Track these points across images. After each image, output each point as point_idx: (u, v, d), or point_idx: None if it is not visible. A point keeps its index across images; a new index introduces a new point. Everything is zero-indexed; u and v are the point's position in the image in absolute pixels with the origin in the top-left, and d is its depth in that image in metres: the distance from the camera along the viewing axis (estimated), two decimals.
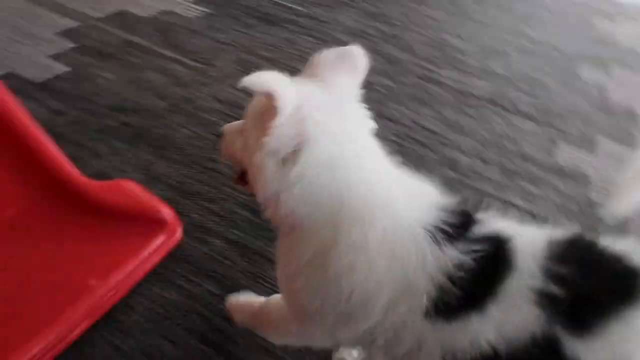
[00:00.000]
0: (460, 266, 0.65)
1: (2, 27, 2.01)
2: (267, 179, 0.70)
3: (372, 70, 2.41)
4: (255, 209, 1.39)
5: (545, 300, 0.62)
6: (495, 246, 0.67)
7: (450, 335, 0.66)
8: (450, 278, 0.65)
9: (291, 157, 0.69)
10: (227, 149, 0.82)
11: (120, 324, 1.08)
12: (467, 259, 0.66)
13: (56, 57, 1.89)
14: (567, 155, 1.86)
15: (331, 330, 0.77)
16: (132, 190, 1.17)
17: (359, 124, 0.77)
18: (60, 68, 1.83)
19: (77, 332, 0.97)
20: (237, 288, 1.17)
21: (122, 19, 2.20)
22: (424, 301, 0.67)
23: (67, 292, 0.96)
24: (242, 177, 0.82)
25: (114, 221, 1.12)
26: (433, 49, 2.39)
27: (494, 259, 0.66)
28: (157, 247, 1.09)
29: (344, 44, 2.40)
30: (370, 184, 0.71)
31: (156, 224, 1.12)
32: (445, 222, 0.69)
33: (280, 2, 2.54)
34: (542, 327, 0.61)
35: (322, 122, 0.70)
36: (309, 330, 0.82)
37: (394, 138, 1.80)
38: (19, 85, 1.69)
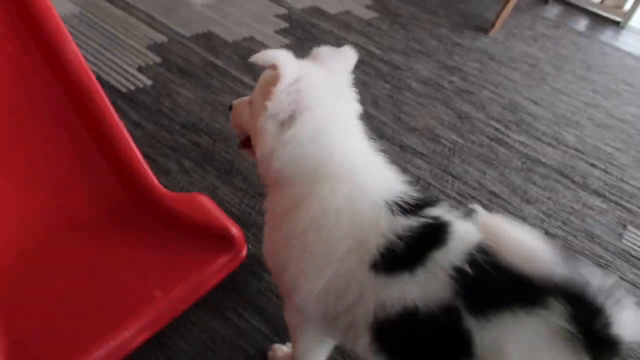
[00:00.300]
0: (403, 233, 0.77)
1: (98, 33, 2.13)
2: (265, 138, 0.82)
3: (441, 123, 2.40)
4: None
5: (459, 277, 0.72)
6: (435, 226, 0.79)
7: (385, 289, 0.77)
8: (395, 240, 0.77)
9: (287, 121, 0.81)
10: (236, 119, 0.94)
11: (167, 349, 1.08)
12: (409, 229, 0.78)
13: (142, 69, 1.98)
14: (637, 241, 1.77)
15: (303, 297, 0.85)
16: (206, 205, 1.19)
17: (349, 105, 0.88)
18: (144, 80, 1.92)
19: (136, 343, 0.98)
20: (283, 331, 1.16)
21: (208, 40, 2.29)
22: (371, 255, 0.78)
23: (130, 300, 0.97)
24: (246, 142, 0.93)
25: (183, 233, 1.14)
26: (505, 109, 2.36)
27: (431, 235, 0.78)
28: (223, 264, 1.10)
29: (417, 93, 2.42)
30: (348, 155, 0.84)
31: (224, 241, 1.13)
32: (402, 200, 0.81)
33: (360, 44, 2.58)
34: (450, 298, 0.72)
35: (318, 95, 0.82)
36: (292, 305, 0.92)
37: (455, 195, 1.77)
38: (106, 92, 1.77)
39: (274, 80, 0.77)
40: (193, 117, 1.81)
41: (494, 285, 0.71)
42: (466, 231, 0.77)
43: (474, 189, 1.82)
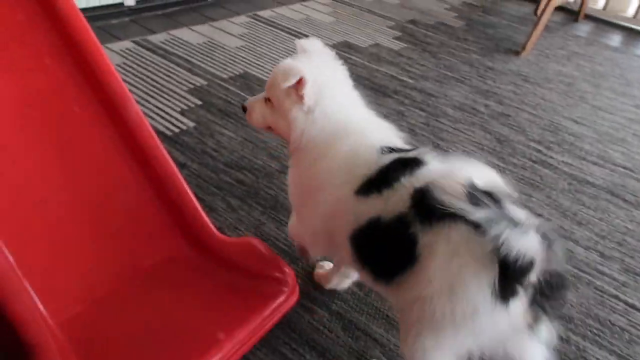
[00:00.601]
0: (382, 165, 1.02)
1: (142, 81, 2.23)
2: (298, 124, 1.10)
3: (481, 148, 2.37)
4: (360, 283, 1.38)
5: (416, 195, 0.93)
6: (407, 160, 1.02)
7: (363, 206, 1.01)
8: (375, 171, 1.02)
9: (310, 108, 1.09)
10: (254, 115, 1.19)
11: None
12: (387, 162, 1.02)
13: (184, 112, 2.06)
14: None
15: (313, 222, 1.15)
16: (259, 248, 1.22)
17: (346, 83, 1.16)
18: (187, 123, 1.99)
19: None
20: None
21: (244, 80, 2.36)
22: (357, 183, 1.03)
23: (197, 343, 0.98)
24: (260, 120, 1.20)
25: (241, 277, 1.17)
26: (545, 130, 2.32)
27: (401, 166, 1.00)
28: (280, 304, 1.11)
29: (454, 119, 2.41)
30: (353, 121, 1.11)
31: (280, 281, 1.15)
32: (391, 146, 1.07)
33: (392, 74, 2.61)
34: (406, 210, 0.94)
35: (327, 87, 1.10)
36: (305, 228, 1.21)
37: None
38: None
39: (301, 85, 1.06)
40: (235, 156, 1.85)
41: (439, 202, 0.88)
42: (435, 167, 0.98)
43: None
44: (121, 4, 2.82)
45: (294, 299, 1.14)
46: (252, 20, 3.05)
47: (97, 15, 2.70)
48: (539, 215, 1.78)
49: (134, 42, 2.58)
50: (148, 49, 2.52)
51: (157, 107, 2.07)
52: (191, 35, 2.73)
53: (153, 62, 2.41)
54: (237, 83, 2.33)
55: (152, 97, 2.13)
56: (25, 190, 1.13)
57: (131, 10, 2.86)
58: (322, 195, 1.09)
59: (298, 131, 1.10)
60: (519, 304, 0.87)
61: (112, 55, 2.40)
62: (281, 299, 1.11)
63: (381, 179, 1.00)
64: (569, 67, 3.03)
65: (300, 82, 1.05)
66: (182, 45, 2.61)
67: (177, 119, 2.01)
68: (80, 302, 1.07)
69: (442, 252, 0.89)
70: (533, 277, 0.85)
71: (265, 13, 3.18)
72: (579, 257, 1.63)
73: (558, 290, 0.89)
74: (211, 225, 1.24)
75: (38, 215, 1.12)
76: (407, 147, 1.11)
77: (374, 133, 1.10)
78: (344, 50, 2.81)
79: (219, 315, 1.06)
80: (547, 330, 0.93)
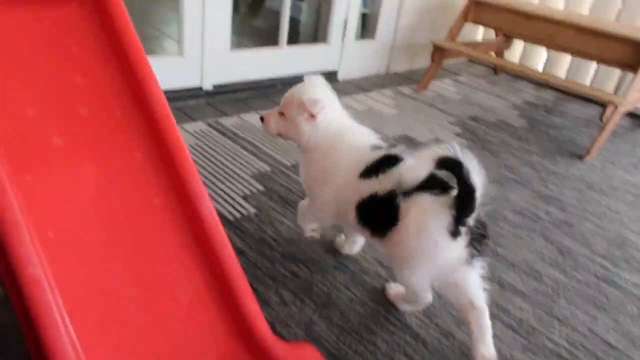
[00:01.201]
0: (376, 158, 1.48)
1: (211, 162, 2.36)
2: (305, 132, 1.56)
3: (541, 258, 2.29)
4: None
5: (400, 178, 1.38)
6: (391, 156, 1.47)
7: (363, 186, 1.47)
8: (371, 162, 1.48)
9: (316, 121, 1.54)
10: (269, 125, 1.64)
11: None
12: (379, 157, 1.48)
13: (247, 197, 2.14)
14: None
15: (324, 204, 1.62)
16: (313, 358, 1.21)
17: (338, 103, 1.62)
18: (249, 209, 2.07)
19: None
20: None
21: None
22: (359, 170, 1.48)
23: None
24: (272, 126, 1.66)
25: None
26: (612, 245, 2.22)
27: (388, 160, 1.46)
28: None
29: (513, 224, 2.36)
30: (347, 127, 1.60)
31: None
32: (377, 145, 1.55)
33: None
34: (394, 188, 1.39)
35: (328, 106, 1.56)
36: (319, 210, 1.68)
37: (564, 344, 1.63)
38: None
39: (315, 104, 1.52)
40: (293, 247, 1.88)
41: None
42: (408, 162, 1.42)
43: (585, 336, 1.68)
44: (200, 88, 3.05)
45: None
46: None
47: (177, 96, 2.93)
48: (606, 342, 1.67)
49: (207, 123, 2.76)
50: (219, 131, 2.69)
51: (222, 190, 2.17)
52: (259, 120, 2.88)
53: (223, 145, 2.55)
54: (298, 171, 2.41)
55: (218, 179, 2.24)
56: (95, 278, 1.19)
57: (208, 94, 3.09)
58: (333, 178, 1.55)
59: (306, 137, 1.56)
60: (462, 241, 1.33)
61: (187, 136, 2.58)
62: None
63: (376, 168, 1.46)
64: (637, 177, 2.93)
65: (316, 103, 1.52)
66: (250, 130, 2.76)
67: (239, 204, 2.09)
68: None
69: (414, 210, 1.37)
70: (470, 222, 1.32)
71: None
72: None
73: (484, 236, 1.38)
74: (268, 328, 1.24)
75: (102, 304, 1.17)
76: (385, 144, 1.57)
77: (363, 135, 1.59)
78: (404, 143, 2.87)
79: None
80: (479, 264, 1.41)
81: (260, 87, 3.32)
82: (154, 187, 1.35)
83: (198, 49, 2.98)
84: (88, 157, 1.32)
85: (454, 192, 1.32)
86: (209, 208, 1.31)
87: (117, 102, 1.40)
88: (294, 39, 3.54)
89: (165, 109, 1.39)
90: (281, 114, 1.60)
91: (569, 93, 4.21)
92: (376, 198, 1.43)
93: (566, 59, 4.28)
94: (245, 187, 2.22)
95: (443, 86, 4.05)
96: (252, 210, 2.07)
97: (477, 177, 1.25)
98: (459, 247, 1.33)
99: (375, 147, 1.53)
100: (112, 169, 1.35)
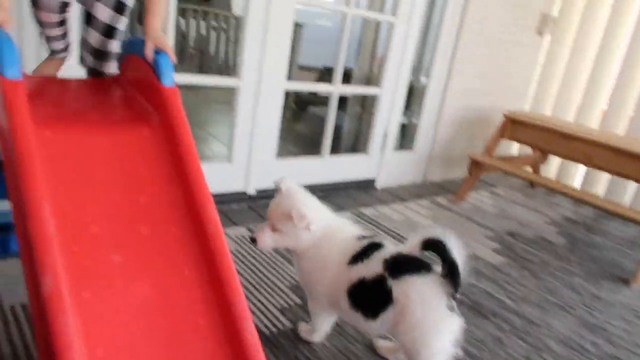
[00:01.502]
0: (361, 247, 1.68)
1: (250, 270, 2.40)
2: (302, 238, 1.69)
3: None
4: None
5: (386, 262, 1.60)
6: (375, 244, 1.68)
7: (352, 272, 1.65)
8: (358, 250, 1.67)
9: (310, 228, 1.67)
10: (262, 243, 1.72)
11: None
12: (364, 245, 1.68)
13: (283, 310, 2.15)
14: None
15: (321, 294, 1.79)
16: None
17: (317, 202, 1.76)
18: (285, 323, 2.06)
19: None
20: None
21: None
22: (348, 259, 1.67)
23: None
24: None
25: None
26: None
27: (372, 247, 1.66)
28: None
29: (558, 355, 2.27)
30: (334, 223, 1.77)
31: None
32: (362, 236, 1.75)
33: (490, 292, 2.58)
34: (381, 271, 1.58)
35: (316, 215, 1.70)
36: (316, 302, 1.86)
37: None
38: None
39: (306, 218, 1.66)
40: None
41: (401, 263, 1.58)
42: (391, 247, 1.67)
43: None
44: (244, 192, 3.19)
45: None
46: (356, 216, 3.27)
47: (222, 200, 3.07)
48: None
49: (248, 228, 2.85)
50: None
51: (260, 301, 2.18)
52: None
53: (261, 252, 2.60)
54: None
55: (256, 289, 2.27)
56: None
57: (250, 198, 3.22)
58: (326, 270, 1.70)
59: (302, 242, 1.70)
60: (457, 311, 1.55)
61: (229, 242, 2.64)
62: None
63: (362, 255, 1.64)
64: None
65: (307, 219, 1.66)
66: None
67: (276, 317, 2.09)
68: None
69: (413, 292, 1.53)
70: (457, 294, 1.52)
71: (368, 210, 3.41)
72: None
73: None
74: None
75: None
76: (368, 234, 1.76)
77: (348, 228, 1.78)
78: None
79: None
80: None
81: None
82: (200, 306, 1.39)
83: (246, 156, 3.16)
84: (142, 274, 1.39)
85: (438, 270, 1.55)
86: (252, 332, 1.33)
87: (176, 222, 1.48)
88: (335, 146, 3.71)
89: (218, 231, 1.47)
90: (273, 227, 1.71)
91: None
92: (365, 282, 1.60)
93: (605, 174, 4.28)
94: (283, 299, 2.23)
95: (480, 198, 4.09)
96: (288, 324, 2.06)
97: (458, 253, 1.47)
98: (457, 317, 1.56)
99: (361, 238, 1.73)
100: (162, 286, 1.41)
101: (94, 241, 1.38)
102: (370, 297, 1.60)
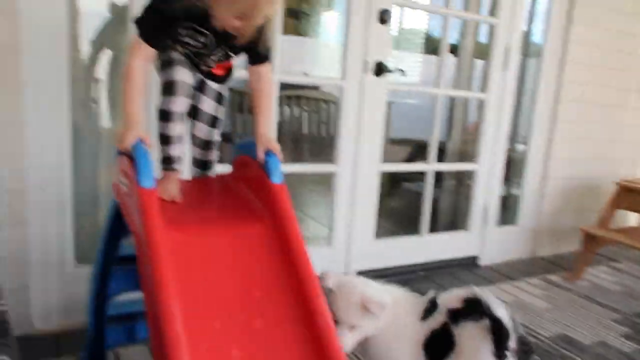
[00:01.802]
0: (427, 306, 1.76)
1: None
2: (380, 322, 1.73)
3: None
4: None
5: (448, 313, 1.69)
6: (433, 300, 1.76)
7: (421, 327, 1.75)
8: (427, 306, 1.76)
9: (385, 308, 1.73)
10: (347, 345, 1.69)
11: None
12: (427, 305, 1.76)
13: None
14: None
15: (401, 346, 1.77)
16: None
17: (375, 283, 1.84)
18: None
19: None
20: None
21: None
22: (416, 317, 1.77)
23: None
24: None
25: None
26: None
27: (433, 303, 1.75)
28: None
29: None
30: (394, 294, 1.83)
31: None
32: (413, 292, 1.88)
33: None
34: (445, 320, 1.68)
35: (381, 293, 1.76)
36: None
37: None
38: None
39: (379, 306, 1.70)
40: None
41: (459, 313, 1.66)
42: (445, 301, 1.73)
43: None
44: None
45: None
46: None
47: None
48: None
49: None
50: None
51: None
52: None
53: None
54: None
55: None
56: None
57: None
58: (405, 335, 1.73)
59: (379, 325, 1.72)
60: None
61: None
62: None
63: (431, 308, 1.72)
64: None
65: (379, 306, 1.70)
66: None
67: None
68: None
69: (465, 337, 1.61)
70: (512, 344, 1.56)
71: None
72: None
73: (528, 352, 1.61)
74: None
75: None
76: (420, 296, 1.82)
77: (398, 290, 1.84)
78: (564, 346, 2.60)
79: None
80: None
81: (400, 272, 3.37)
82: None
83: (345, 238, 3.20)
84: None
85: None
86: None
87: (287, 315, 1.53)
88: (432, 222, 3.65)
89: (327, 325, 1.48)
90: (352, 327, 1.71)
91: None
92: (433, 332, 1.68)
93: None
94: None
95: (599, 275, 3.73)
96: None
97: (500, 309, 1.58)
98: None
99: (416, 295, 1.84)
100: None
101: (217, 336, 1.45)
102: (440, 344, 1.68)
